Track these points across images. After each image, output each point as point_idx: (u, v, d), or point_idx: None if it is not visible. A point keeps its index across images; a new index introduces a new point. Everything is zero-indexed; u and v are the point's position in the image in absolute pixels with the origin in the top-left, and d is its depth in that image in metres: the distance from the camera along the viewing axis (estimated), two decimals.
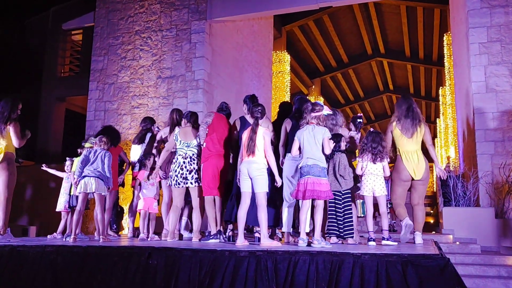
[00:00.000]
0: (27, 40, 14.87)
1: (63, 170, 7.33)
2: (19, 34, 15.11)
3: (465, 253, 7.02)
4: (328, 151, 5.02)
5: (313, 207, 5.06)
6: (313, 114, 5.05)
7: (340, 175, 5.40)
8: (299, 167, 5.05)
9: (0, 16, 15.92)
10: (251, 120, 5.76)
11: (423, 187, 5.76)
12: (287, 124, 5.64)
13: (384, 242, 5.20)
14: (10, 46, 15.06)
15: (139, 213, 6.62)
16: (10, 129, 5.84)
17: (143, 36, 11.26)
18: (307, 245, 4.77)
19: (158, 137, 6.93)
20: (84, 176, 5.89)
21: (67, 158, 7.34)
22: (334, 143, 5.32)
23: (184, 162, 5.84)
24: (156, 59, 11.03)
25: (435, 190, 14.44)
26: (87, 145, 6.72)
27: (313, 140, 4.95)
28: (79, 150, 6.78)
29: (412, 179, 5.66)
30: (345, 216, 5.44)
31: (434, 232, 9.81)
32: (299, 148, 5.09)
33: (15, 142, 5.89)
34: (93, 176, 5.88)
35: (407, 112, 5.68)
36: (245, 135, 5.26)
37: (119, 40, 11.49)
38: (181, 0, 11.06)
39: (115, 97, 11.27)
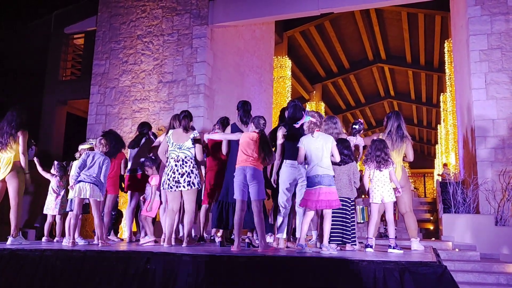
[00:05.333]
0: (29, 44, 14.93)
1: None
2: (21, 37, 15.17)
3: (465, 260, 7.02)
4: (338, 159, 5.04)
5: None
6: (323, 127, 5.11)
7: (355, 182, 5.44)
8: (306, 176, 5.02)
9: (3, 20, 15.99)
10: (242, 127, 5.86)
11: (404, 195, 5.86)
12: (282, 132, 5.62)
13: (390, 250, 5.18)
14: (13, 49, 15.12)
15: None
16: (20, 138, 6.08)
17: (144, 40, 11.31)
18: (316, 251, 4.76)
19: (156, 142, 6.93)
20: (80, 181, 5.89)
21: (55, 162, 7.35)
22: (348, 150, 5.35)
23: (176, 165, 5.70)
24: (157, 63, 11.08)
25: (435, 197, 14.42)
26: (85, 146, 6.72)
27: (323, 147, 4.92)
28: (76, 155, 6.77)
29: None
30: (352, 223, 5.47)
31: (433, 238, 9.80)
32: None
33: (20, 150, 6.10)
34: (88, 182, 5.86)
35: (397, 130, 5.90)
36: (246, 142, 5.20)
37: (120, 44, 11.54)
38: (182, 5, 11.12)
39: (116, 101, 11.31)
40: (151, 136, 7.34)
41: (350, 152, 5.42)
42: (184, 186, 5.67)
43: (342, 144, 5.41)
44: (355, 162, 5.52)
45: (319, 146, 4.93)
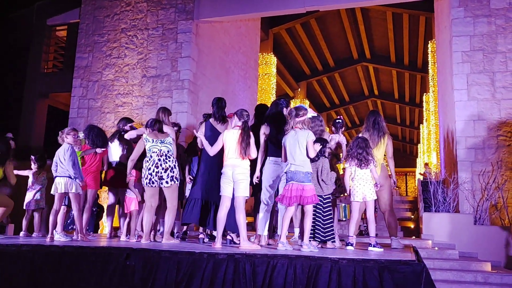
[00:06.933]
0: (11, 35, 14.64)
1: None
2: (2, 28, 14.87)
3: (444, 259, 7.11)
4: (312, 154, 5.00)
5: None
6: (297, 119, 5.04)
7: (322, 180, 5.43)
8: (284, 172, 5.04)
9: None
10: (215, 124, 5.77)
11: (385, 192, 5.89)
12: (265, 130, 5.61)
13: (370, 248, 5.21)
14: None
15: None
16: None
17: (129, 34, 11.18)
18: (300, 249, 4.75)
19: (128, 135, 6.65)
20: (56, 177, 5.83)
21: (32, 157, 7.24)
22: (321, 146, 5.34)
23: (159, 160, 5.61)
24: (141, 57, 10.96)
25: (416, 196, 14.58)
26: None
27: (297, 144, 4.94)
28: None
29: None
30: (326, 221, 5.46)
31: (414, 237, 9.91)
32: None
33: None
34: (62, 176, 5.80)
35: (373, 125, 5.92)
36: (231, 138, 5.18)
37: (104, 38, 11.39)
38: None
39: (99, 95, 11.17)
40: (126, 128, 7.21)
41: (323, 152, 5.42)
42: (167, 182, 5.61)
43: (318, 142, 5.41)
44: (326, 159, 5.51)
45: (293, 143, 4.96)
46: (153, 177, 5.60)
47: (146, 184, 5.65)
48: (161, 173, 5.59)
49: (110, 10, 11.49)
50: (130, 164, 5.94)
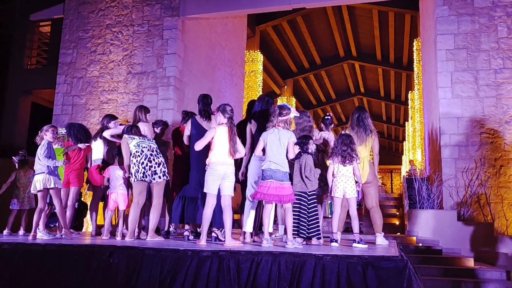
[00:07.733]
0: None
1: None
2: None
3: (428, 255, 7.18)
4: (291, 156, 5.01)
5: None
6: (280, 118, 5.04)
7: (306, 177, 5.42)
8: (261, 169, 5.04)
9: None
10: (202, 121, 5.75)
11: (372, 189, 5.92)
12: (252, 126, 5.59)
13: (354, 245, 5.24)
14: None
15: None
16: None
17: (114, 30, 11.07)
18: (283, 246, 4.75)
19: (112, 133, 6.51)
20: (34, 175, 5.77)
21: (13, 158, 7.16)
22: (302, 145, 5.34)
23: (151, 155, 5.58)
24: (126, 54, 10.86)
25: (401, 192, 14.70)
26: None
27: (278, 143, 4.94)
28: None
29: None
30: (311, 217, 5.46)
31: (399, 233, 10.00)
32: (263, 150, 5.08)
33: None
34: (39, 173, 5.74)
35: (358, 122, 5.92)
36: (224, 136, 5.13)
37: (89, 34, 11.26)
38: None
39: (84, 91, 11.05)
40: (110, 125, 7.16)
41: (306, 149, 5.43)
42: (160, 177, 5.60)
43: (301, 140, 5.40)
44: (310, 156, 5.51)
45: (276, 142, 4.94)
46: (147, 171, 5.55)
47: (140, 178, 5.57)
48: (155, 167, 5.56)
49: (94, 5, 11.36)
50: (128, 169, 5.85)
